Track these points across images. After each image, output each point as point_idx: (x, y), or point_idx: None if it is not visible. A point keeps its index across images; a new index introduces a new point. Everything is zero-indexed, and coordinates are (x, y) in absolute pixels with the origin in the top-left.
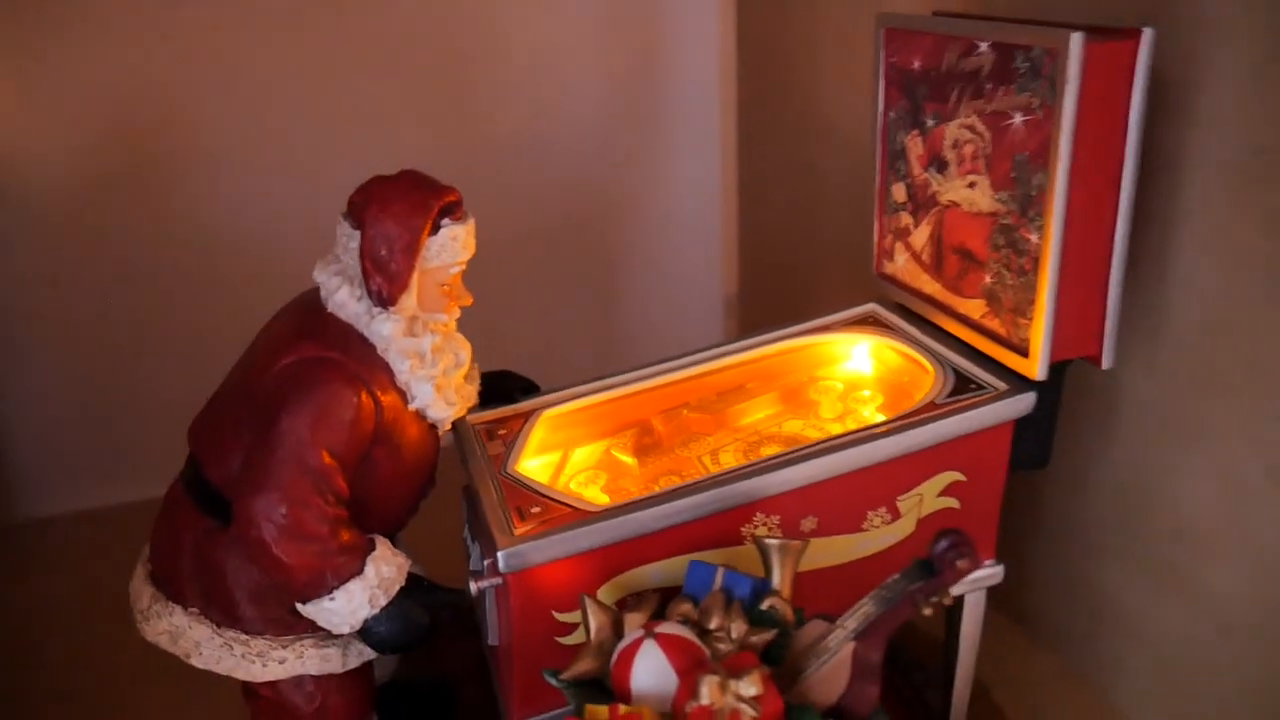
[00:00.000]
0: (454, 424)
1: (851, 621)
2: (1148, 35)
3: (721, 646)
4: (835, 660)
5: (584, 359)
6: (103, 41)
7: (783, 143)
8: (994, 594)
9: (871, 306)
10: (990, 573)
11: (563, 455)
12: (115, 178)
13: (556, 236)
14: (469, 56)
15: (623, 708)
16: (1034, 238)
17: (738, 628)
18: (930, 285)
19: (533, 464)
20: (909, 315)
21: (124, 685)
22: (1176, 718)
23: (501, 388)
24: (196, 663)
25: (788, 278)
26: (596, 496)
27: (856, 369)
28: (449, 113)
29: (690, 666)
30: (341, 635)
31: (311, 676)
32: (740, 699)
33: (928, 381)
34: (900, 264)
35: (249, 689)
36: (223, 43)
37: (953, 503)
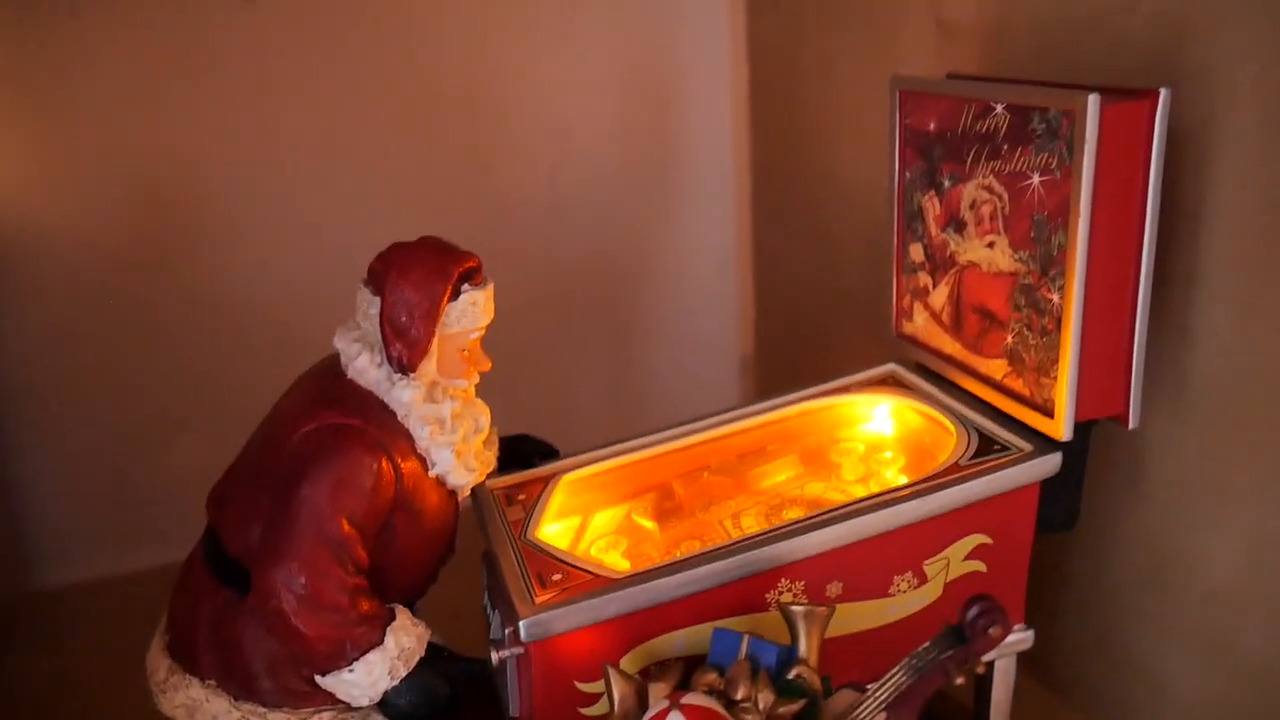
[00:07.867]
0: (473, 489)
1: (883, 692)
2: (1164, 95)
3: (749, 718)
4: None
5: (600, 420)
6: (122, 107)
7: (797, 204)
8: (1023, 656)
9: (891, 367)
10: (1020, 638)
11: (583, 520)
12: (135, 243)
13: (572, 298)
14: (485, 124)
15: None
16: (1055, 297)
17: (765, 698)
18: (950, 345)
19: (553, 529)
20: (929, 375)
21: None
22: None
23: (520, 452)
24: None
25: (804, 338)
26: (618, 562)
27: (878, 430)
28: (466, 179)
29: None
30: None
31: None
32: None
33: (950, 442)
34: (919, 324)
35: None
36: (243, 109)
37: (980, 566)
